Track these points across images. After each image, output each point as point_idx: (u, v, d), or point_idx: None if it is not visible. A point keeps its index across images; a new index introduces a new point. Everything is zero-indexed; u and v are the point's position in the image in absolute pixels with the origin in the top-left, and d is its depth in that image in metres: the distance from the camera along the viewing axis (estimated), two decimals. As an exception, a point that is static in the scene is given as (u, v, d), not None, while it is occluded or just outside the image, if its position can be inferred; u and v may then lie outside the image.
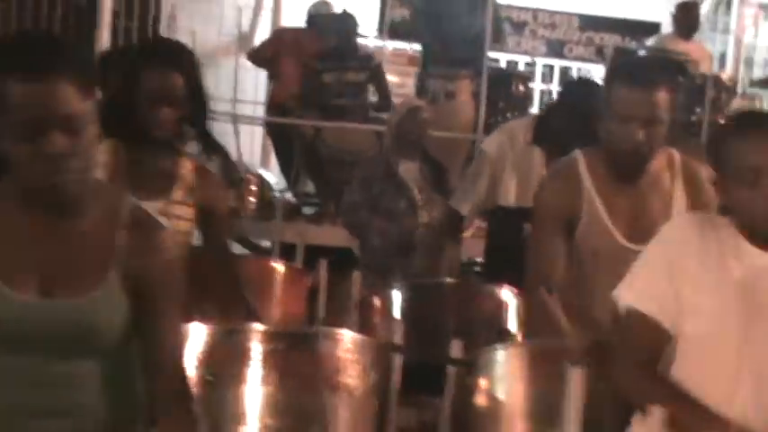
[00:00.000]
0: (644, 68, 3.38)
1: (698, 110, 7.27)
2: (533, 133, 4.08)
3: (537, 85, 9.26)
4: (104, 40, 7.70)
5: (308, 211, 7.32)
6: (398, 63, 8.64)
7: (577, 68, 9.71)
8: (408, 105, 5.86)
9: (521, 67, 9.25)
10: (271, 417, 2.73)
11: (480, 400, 2.96)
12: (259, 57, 8.05)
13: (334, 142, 7.06)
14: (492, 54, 7.79)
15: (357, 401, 2.83)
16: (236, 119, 6.95)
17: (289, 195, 7.42)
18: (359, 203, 5.42)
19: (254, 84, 9.21)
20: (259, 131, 9.05)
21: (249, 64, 8.20)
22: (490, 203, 4.24)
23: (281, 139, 7.82)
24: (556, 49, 9.65)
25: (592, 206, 3.25)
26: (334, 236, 6.46)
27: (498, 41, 7.71)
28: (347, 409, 2.80)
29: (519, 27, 9.58)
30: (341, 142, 7.03)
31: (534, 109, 7.70)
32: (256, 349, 2.75)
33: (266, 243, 7.03)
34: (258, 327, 2.84)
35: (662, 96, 3.18)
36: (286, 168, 7.85)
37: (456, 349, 3.00)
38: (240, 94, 8.98)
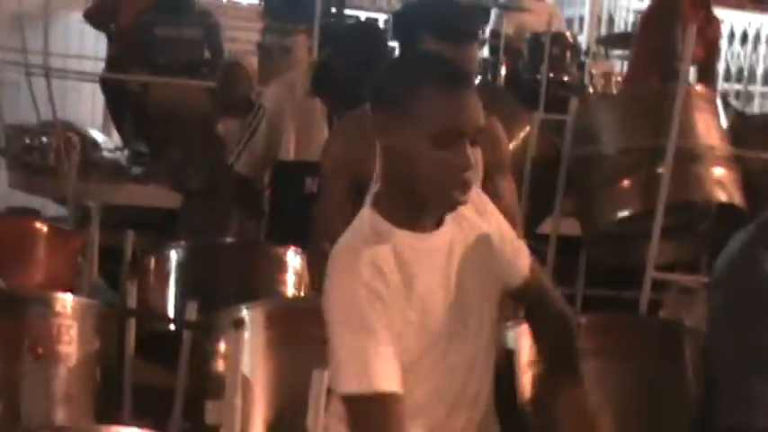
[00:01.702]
0: (453, 21, 3.15)
1: (542, 68, 7.13)
2: (312, 83, 3.85)
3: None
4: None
5: (136, 171, 7.00)
6: (240, 17, 8.35)
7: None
8: (229, 61, 5.69)
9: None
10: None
11: (219, 366, 2.71)
12: (92, 17, 7.68)
13: (163, 99, 6.76)
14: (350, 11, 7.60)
15: (73, 370, 2.57)
16: (48, 73, 6.60)
17: (119, 155, 7.10)
18: (181, 161, 5.25)
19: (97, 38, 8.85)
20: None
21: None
22: (271, 158, 3.99)
23: (114, 96, 7.49)
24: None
25: None
26: (159, 196, 6.21)
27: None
28: (58, 379, 2.54)
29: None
30: (170, 99, 6.73)
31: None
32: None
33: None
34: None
35: (473, 51, 3.01)
36: (119, 127, 7.53)
37: (191, 311, 2.74)
38: (83, 49, 8.66)
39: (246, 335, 2.71)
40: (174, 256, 3.68)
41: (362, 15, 9.08)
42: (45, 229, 3.64)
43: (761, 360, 2.38)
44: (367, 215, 2.26)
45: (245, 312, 2.71)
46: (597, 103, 5.29)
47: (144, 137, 7.07)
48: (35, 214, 6.03)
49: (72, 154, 6.33)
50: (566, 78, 7.33)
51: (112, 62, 7.46)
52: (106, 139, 7.27)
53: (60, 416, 2.56)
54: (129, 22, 7.20)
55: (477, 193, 2.40)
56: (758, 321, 2.38)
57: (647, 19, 5.96)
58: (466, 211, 2.33)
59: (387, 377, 2.09)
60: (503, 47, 7.40)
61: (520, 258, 2.43)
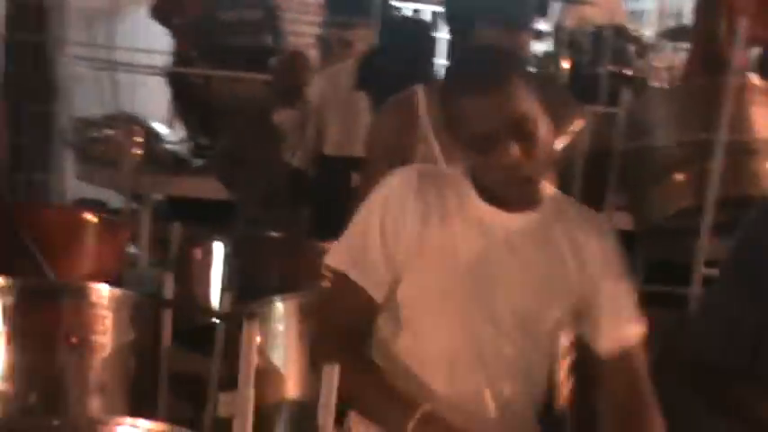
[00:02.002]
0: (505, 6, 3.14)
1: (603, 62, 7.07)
2: (357, 77, 3.84)
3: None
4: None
5: (198, 163, 7.07)
6: (300, 11, 8.36)
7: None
8: (289, 51, 5.71)
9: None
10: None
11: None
12: (158, 12, 7.76)
13: (224, 90, 6.82)
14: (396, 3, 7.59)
15: (107, 361, 2.60)
16: (114, 66, 6.70)
17: (181, 147, 7.17)
18: (228, 153, 5.26)
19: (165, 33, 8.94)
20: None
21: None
22: (317, 152, 4.01)
23: (178, 89, 7.57)
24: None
25: (428, 148, 3.03)
26: (219, 189, 6.26)
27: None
28: (92, 370, 2.57)
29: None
30: (230, 90, 6.79)
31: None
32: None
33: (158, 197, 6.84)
34: (-4, 280, 2.59)
35: (523, 37, 3.00)
36: (184, 120, 7.61)
37: (225, 302, 2.76)
38: (151, 43, 8.75)
39: (281, 327, 2.75)
40: (218, 248, 3.70)
41: (409, 6, 9.08)
42: (94, 220, 3.67)
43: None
44: (453, 170, 2.29)
45: (278, 305, 2.73)
46: (652, 95, 5.21)
47: (205, 129, 7.14)
48: (100, 206, 6.14)
49: (132, 146, 6.46)
50: (628, 72, 7.24)
51: (177, 56, 7.56)
52: (170, 132, 7.35)
53: (95, 406, 2.58)
54: (196, 14, 7.28)
55: (600, 227, 2.36)
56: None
57: (697, 7, 5.85)
58: (567, 228, 2.30)
59: (365, 271, 2.19)
60: (564, 40, 7.36)
61: (618, 329, 2.30)
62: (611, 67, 6.84)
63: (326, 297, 2.29)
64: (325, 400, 1.91)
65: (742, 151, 4.30)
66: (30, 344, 2.55)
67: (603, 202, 4.67)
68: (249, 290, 3.47)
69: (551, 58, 7.59)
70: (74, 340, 2.53)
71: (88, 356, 2.58)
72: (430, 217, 2.22)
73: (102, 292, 2.64)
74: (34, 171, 7.82)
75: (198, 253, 3.71)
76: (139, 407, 2.63)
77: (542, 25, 8.20)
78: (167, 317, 2.78)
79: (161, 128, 7.30)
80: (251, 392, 2.02)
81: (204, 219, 4.68)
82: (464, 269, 2.21)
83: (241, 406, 1.98)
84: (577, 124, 4.75)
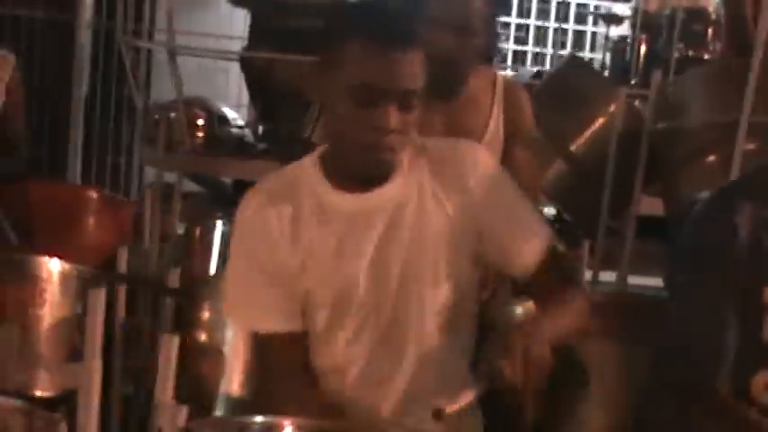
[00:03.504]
0: None
1: (680, 45, 6.83)
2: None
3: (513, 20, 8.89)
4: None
5: (262, 147, 7.07)
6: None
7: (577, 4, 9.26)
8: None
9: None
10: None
11: (200, 336, 2.68)
12: None
13: (288, 75, 6.78)
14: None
15: (46, 334, 2.59)
16: (174, 49, 6.71)
17: (246, 132, 7.17)
18: (290, 136, 5.23)
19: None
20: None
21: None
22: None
23: (248, 74, 7.58)
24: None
25: None
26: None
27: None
28: (30, 343, 2.56)
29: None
30: (292, 74, 6.75)
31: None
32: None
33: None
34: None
35: (478, 3, 2.92)
36: (253, 104, 7.63)
37: (173, 278, 2.73)
38: (233, 30, 8.79)
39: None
40: (219, 227, 3.69)
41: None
42: (94, 196, 3.69)
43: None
44: (305, 164, 2.22)
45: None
46: (687, 75, 5.00)
47: (269, 112, 7.12)
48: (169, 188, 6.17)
49: (194, 129, 6.48)
50: (706, 56, 7.00)
51: (250, 39, 7.56)
52: (237, 117, 7.37)
53: (35, 379, 2.57)
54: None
55: (464, 161, 2.28)
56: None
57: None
58: (429, 181, 2.24)
59: (270, 316, 2.15)
60: (640, 24, 7.16)
61: (525, 246, 2.27)
62: (683, 51, 6.59)
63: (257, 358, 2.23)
64: (163, 367, 1.84)
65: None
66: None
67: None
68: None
69: (628, 42, 7.40)
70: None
71: (27, 329, 2.56)
72: (296, 231, 2.16)
73: (45, 265, 2.63)
74: (117, 155, 7.97)
75: (197, 231, 3.70)
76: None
77: (620, 8, 8.02)
78: (121, 292, 2.75)
79: (230, 112, 7.32)
80: (97, 364, 1.97)
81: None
82: (346, 265, 2.15)
83: (86, 378, 1.93)
84: (613, 106, 4.61)
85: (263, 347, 2.17)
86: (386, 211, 2.18)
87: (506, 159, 3.02)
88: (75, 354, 2.64)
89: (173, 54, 7.24)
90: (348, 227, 2.16)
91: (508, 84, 3.17)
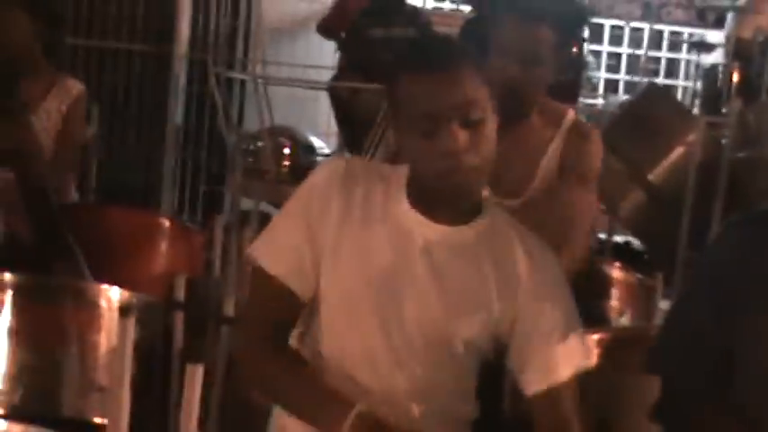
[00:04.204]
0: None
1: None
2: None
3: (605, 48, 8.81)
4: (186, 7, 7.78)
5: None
6: (442, 24, 8.32)
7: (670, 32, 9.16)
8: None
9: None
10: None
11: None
12: (323, 28, 7.87)
13: (369, 104, 6.82)
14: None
15: (108, 360, 2.61)
16: (266, 81, 6.79)
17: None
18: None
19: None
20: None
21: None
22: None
23: (334, 104, 7.66)
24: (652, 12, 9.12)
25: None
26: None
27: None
28: (93, 369, 2.59)
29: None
30: (375, 105, 6.79)
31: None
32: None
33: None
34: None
35: (545, 34, 2.85)
36: (341, 133, 7.70)
37: (229, 307, 2.74)
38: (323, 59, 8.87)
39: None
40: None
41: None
42: (166, 224, 3.73)
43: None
44: (397, 172, 2.20)
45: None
46: (764, 104, 4.89)
47: (354, 142, 7.17)
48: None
49: (281, 158, 6.55)
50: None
51: (338, 70, 7.64)
52: (324, 145, 7.42)
53: (92, 406, 2.60)
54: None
55: (547, 269, 2.20)
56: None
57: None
58: (498, 252, 2.18)
59: (286, 266, 2.11)
60: (733, 51, 7.06)
61: (531, 357, 2.15)
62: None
63: (250, 295, 2.23)
64: (188, 400, 1.84)
65: None
66: (26, 341, 2.58)
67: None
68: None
69: (717, 68, 7.29)
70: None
71: (86, 356, 2.59)
72: (350, 215, 2.14)
73: (103, 292, 2.66)
74: (214, 184, 8.07)
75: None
76: (142, 408, 2.62)
77: (714, 36, 7.91)
78: (179, 320, 2.77)
79: (317, 141, 7.38)
80: (125, 394, 1.97)
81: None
82: (376, 274, 2.12)
83: (114, 407, 1.93)
84: (691, 136, 4.54)
85: (265, 299, 2.14)
86: (447, 249, 2.15)
87: (557, 195, 2.92)
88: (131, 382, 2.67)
89: (258, 84, 7.36)
90: (403, 245, 2.12)
91: (576, 124, 2.99)
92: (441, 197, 2.12)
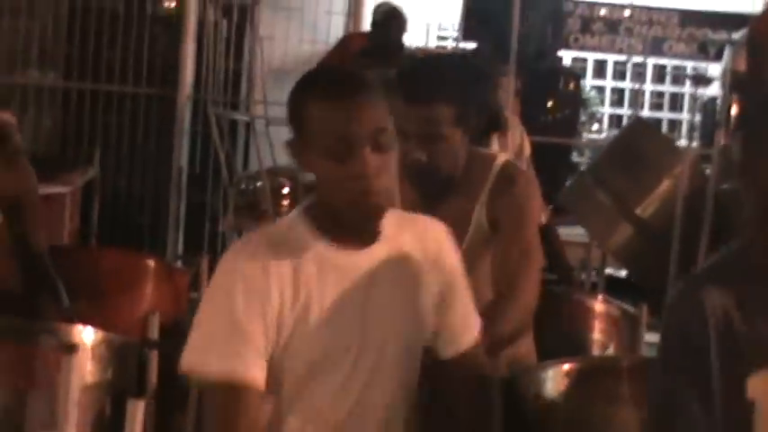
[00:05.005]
0: (420, 80, 2.90)
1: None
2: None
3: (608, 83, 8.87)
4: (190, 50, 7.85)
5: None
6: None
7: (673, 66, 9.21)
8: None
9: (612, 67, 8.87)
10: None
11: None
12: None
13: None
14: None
15: (81, 400, 2.62)
16: (267, 121, 6.83)
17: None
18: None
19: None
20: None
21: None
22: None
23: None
24: (655, 47, 9.18)
25: None
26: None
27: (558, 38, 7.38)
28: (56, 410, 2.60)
29: (614, 25, 9.17)
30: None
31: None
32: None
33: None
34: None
35: (441, 111, 2.80)
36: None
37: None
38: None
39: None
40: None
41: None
42: (151, 264, 3.75)
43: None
44: (292, 218, 2.24)
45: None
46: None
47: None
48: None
49: (279, 198, 6.57)
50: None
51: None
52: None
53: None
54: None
55: (443, 241, 2.35)
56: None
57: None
58: (409, 244, 2.28)
59: (251, 367, 2.10)
60: (730, 84, 7.08)
61: (460, 329, 2.35)
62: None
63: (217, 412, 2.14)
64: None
65: None
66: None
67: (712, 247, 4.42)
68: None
69: (716, 101, 7.32)
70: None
71: (56, 395, 2.60)
72: (296, 283, 2.16)
73: (78, 333, 2.68)
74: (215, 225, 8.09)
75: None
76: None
77: (715, 70, 7.95)
78: (153, 359, 2.79)
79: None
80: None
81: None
82: (342, 318, 2.17)
83: None
84: (678, 168, 4.54)
85: (233, 402, 2.09)
86: (378, 269, 2.21)
87: (497, 244, 2.90)
88: (104, 420, 2.69)
89: (257, 124, 7.40)
90: (344, 282, 2.17)
91: (504, 169, 2.94)
92: (351, 221, 2.17)
